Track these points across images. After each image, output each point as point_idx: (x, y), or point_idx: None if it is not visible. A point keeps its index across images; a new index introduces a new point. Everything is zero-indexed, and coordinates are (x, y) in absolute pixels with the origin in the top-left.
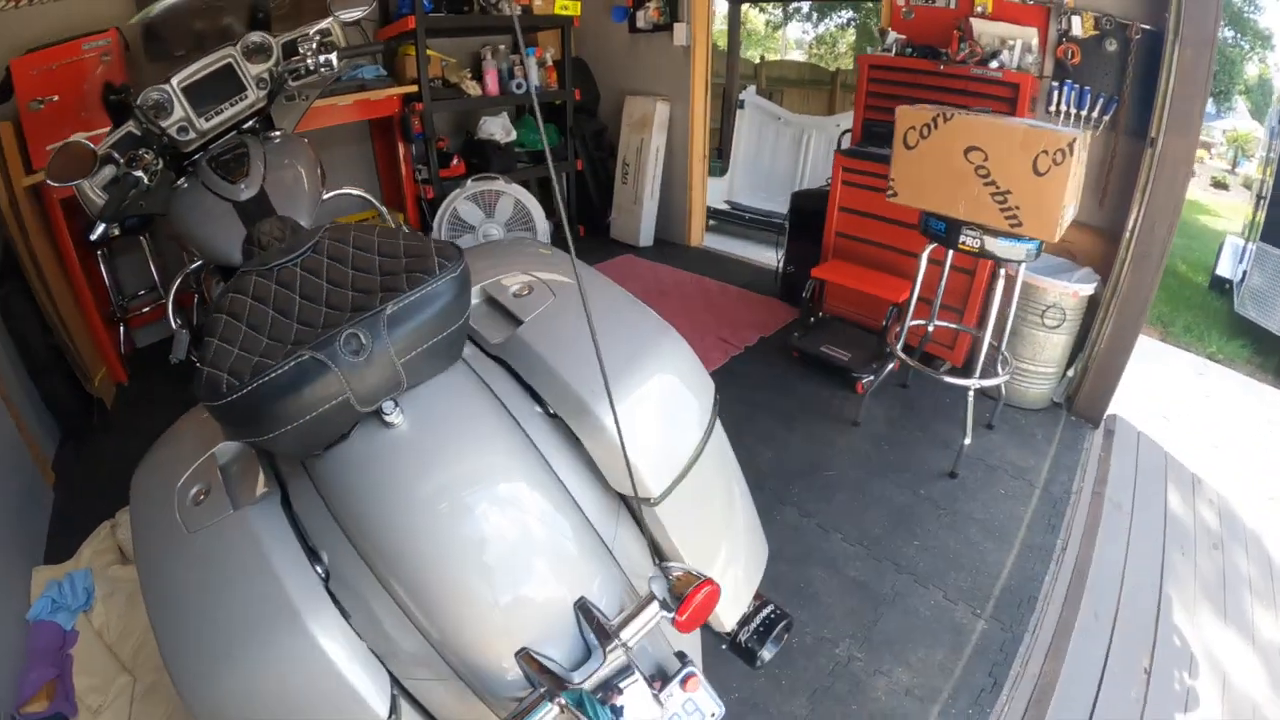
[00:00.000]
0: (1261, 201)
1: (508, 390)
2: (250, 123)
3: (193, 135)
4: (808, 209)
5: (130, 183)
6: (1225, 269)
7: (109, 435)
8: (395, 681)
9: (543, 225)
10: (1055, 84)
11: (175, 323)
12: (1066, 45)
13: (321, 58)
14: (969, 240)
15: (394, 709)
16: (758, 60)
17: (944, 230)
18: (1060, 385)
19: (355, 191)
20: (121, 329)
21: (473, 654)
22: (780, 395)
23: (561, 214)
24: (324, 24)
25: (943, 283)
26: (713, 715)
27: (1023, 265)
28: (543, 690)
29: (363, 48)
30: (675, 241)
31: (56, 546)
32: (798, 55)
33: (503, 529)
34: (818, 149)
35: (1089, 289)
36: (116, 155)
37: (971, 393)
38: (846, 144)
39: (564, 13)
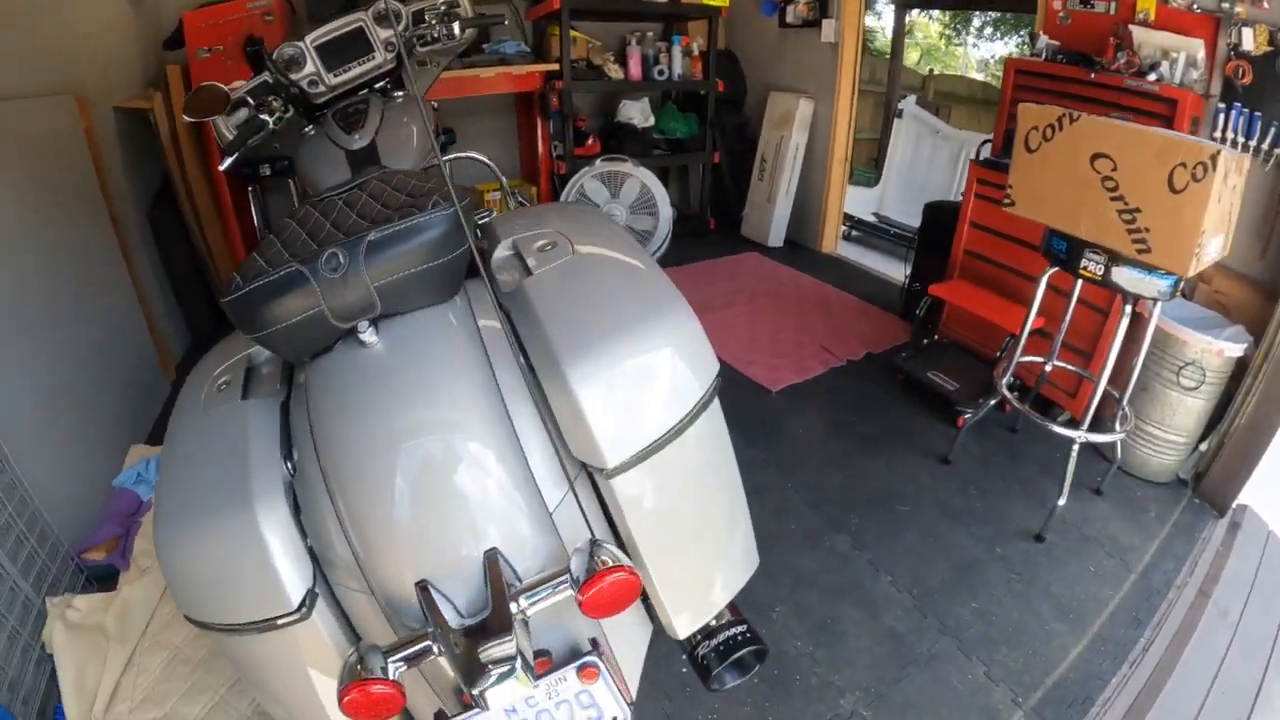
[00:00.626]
0: None
1: (500, 338)
2: (381, 83)
3: (322, 89)
4: (941, 223)
5: (257, 125)
6: None
7: None
8: (326, 584)
9: (666, 211)
10: (1222, 106)
11: None
12: (1236, 62)
13: (444, 27)
14: (1091, 265)
15: (307, 604)
16: (926, 72)
17: (1065, 251)
18: (1190, 459)
19: (476, 156)
20: None
21: (381, 574)
22: (870, 417)
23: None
24: None
25: (1067, 316)
26: (615, 718)
27: (1157, 305)
28: (430, 629)
29: (483, 19)
30: (806, 245)
31: (159, 432)
32: (979, 77)
33: (435, 468)
34: None
35: (1237, 349)
36: (250, 99)
37: (1076, 447)
38: (987, 154)
39: (712, 2)
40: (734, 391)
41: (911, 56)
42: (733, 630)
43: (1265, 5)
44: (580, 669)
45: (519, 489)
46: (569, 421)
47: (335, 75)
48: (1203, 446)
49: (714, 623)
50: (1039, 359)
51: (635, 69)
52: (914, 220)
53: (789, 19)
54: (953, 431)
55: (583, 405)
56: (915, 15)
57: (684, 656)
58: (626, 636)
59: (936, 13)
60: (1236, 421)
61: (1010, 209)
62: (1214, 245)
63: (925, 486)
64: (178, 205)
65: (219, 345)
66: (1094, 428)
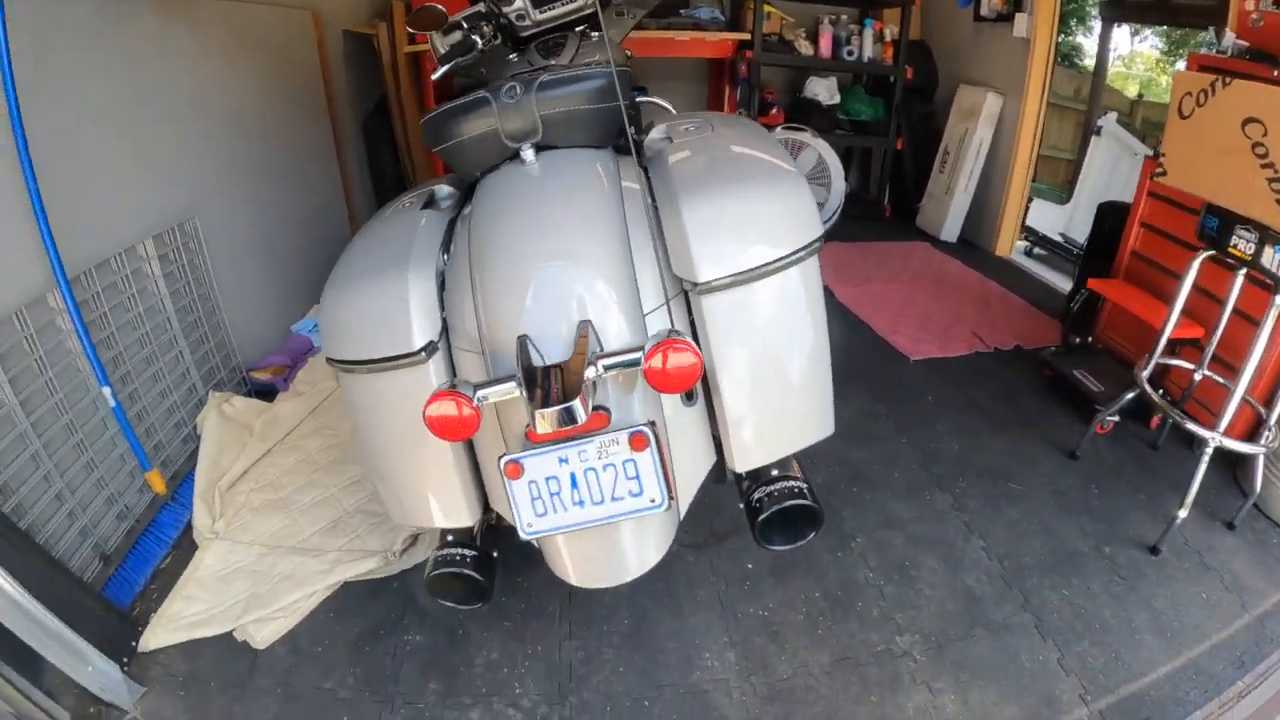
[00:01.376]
0: None
1: (637, 192)
2: (581, 26)
3: (528, 23)
4: (1114, 225)
5: (468, 45)
6: None
7: None
8: (449, 346)
9: (839, 185)
10: None
11: None
12: None
13: None
14: (1241, 244)
15: (426, 352)
16: (1135, 96)
17: (1217, 229)
18: None
19: (658, 101)
20: None
21: (493, 329)
22: (1004, 402)
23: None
24: None
25: (1223, 320)
26: (653, 501)
27: None
28: (514, 374)
29: None
30: (980, 245)
31: None
32: None
33: (557, 257)
34: None
35: None
36: (464, 23)
37: (1209, 450)
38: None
39: None
40: (871, 354)
41: (1131, 90)
42: (791, 484)
43: None
44: (632, 435)
45: (619, 288)
46: (675, 241)
47: (541, 11)
48: None
49: (775, 472)
50: (1189, 365)
51: (825, 48)
52: None
53: (983, 11)
54: (1090, 430)
55: (686, 225)
56: (1136, 45)
57: (740, 505)
58: (688, 456)
59: (1157, 41)
60: None
61: (1162, 179)
62: None
63: (1044, 473)
64: (390, 122)
65: (412, 187)
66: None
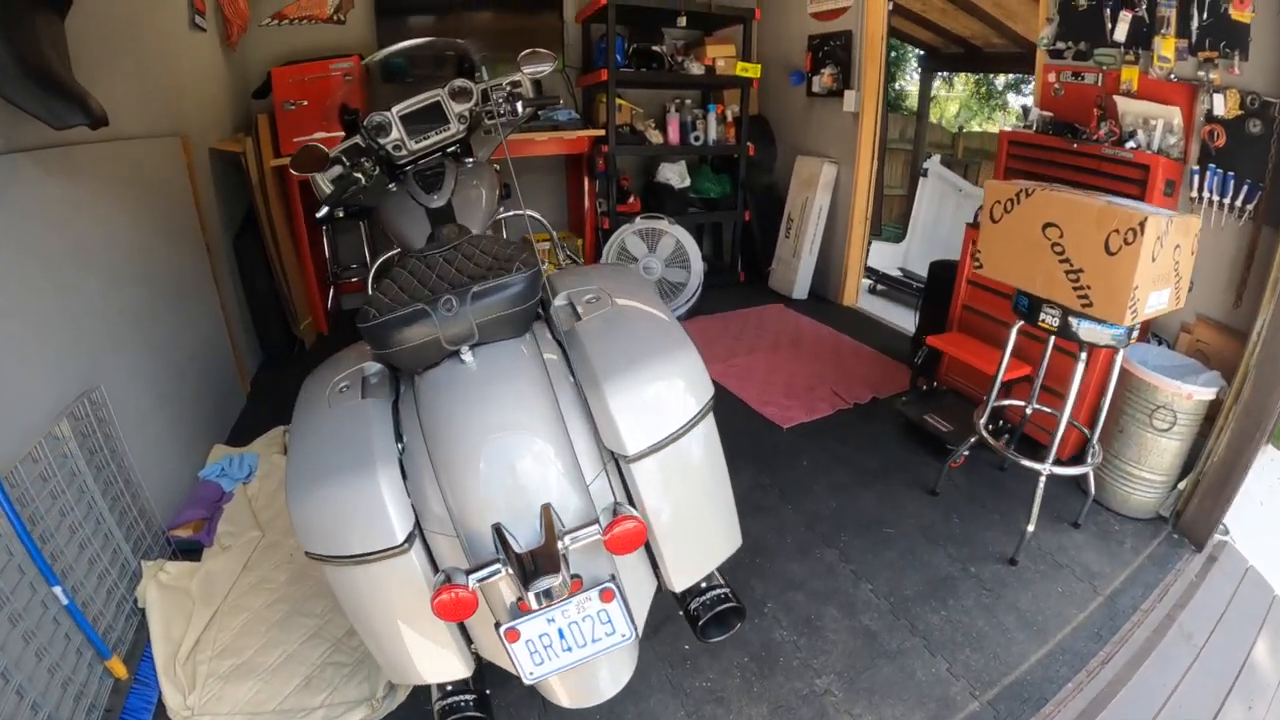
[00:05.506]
0: None
1: (556, 362)
2: (452, 148)
3: (404, 152)
4: (944, 279)
5: (350, 181)
6: None
7: (301, 367)
8: (421, 530)
9: (697, 265)
10: (1197, 168)
11: (371, 291)
12: (1211, 126)
13: (509, 105)
14: (1048, 318)
15: (409, 541)
16: (957, 130)
17: (1028, 307)
18: (1170, 497)
19: (531, 213)
20: (332, 291)
21: (467, 520)
22: (869, 453)
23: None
24: (515, 77)
25: (1044, 363)
26: (624, 636)
27: (1120, 352)
28: (499, 557)
29: (542, 100)
30: (828, 299)
31: (237, 437)
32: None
33: (511, 452)
34: None
35: (1206, 393)
36: (345, 159)
37: (1043, 479)
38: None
39: (744, 74)
40: (749, 427)
41: (950, 109)
42: (717, 591)
43: (1237, 71)
44: (601, 591)
45: (566, 468)
46: (603, 422)
47: (416, 141)
48: (1181, 485)
49: (704, 584)
50: (1020, 403)
51: (674, 134)
52: None
53: (815, 89)
54: (945, 467)
55: (612, 411)
56: (950, 74)
57: (680, 613)
58: (635, 587)
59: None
60: (1210, 460)
61: (979, 270)
62: (1157, 298)
63: (911, 514)
64: (260, 238)
65: (329, 360)
66: (1072, 464)
